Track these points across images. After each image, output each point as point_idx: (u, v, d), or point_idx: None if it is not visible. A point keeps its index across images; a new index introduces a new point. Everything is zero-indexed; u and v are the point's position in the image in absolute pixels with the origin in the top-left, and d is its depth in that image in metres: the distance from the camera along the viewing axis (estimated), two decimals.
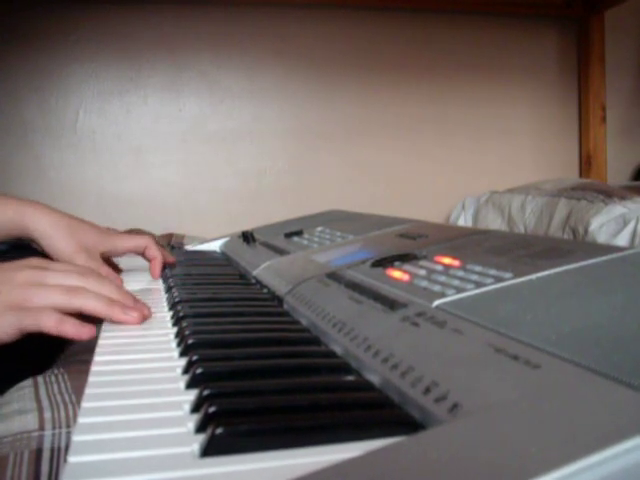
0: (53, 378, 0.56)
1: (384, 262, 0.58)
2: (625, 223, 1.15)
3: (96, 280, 0.56)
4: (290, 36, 1.77)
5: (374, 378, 0.37)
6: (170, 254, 0.88)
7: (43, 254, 0.74)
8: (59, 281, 0.54)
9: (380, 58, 1.82)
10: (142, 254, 0.83)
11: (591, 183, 1.44)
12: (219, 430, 0.28)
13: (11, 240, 0.75)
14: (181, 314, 0.55)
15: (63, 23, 1.65)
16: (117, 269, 0.85)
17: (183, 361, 0.42)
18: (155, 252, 0.82)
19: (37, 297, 0.51)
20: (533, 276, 0.43)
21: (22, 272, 0.53)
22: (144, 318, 0.55)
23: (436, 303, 0.42)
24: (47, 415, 0.46)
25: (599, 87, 1.89)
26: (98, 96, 1.68)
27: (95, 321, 0.53)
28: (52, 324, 0.50)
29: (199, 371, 0.38)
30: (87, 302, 0.52)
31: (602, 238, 1.17)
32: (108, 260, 0.82)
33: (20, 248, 0.77)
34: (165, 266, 0.84)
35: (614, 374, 0.26)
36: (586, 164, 1.91)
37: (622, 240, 1.13)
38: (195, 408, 0.33)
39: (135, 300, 0.57)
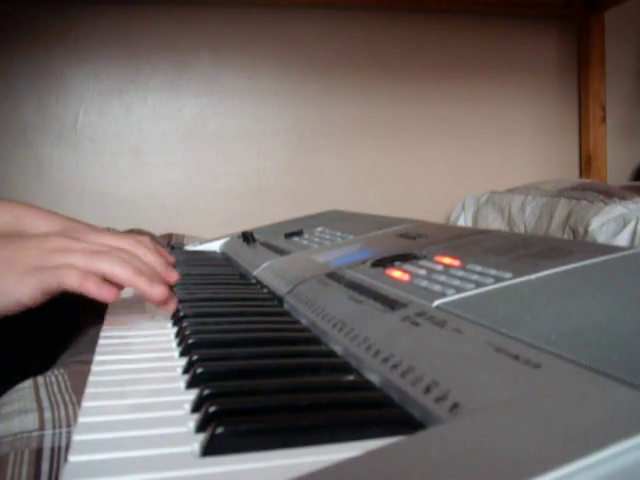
0: (53, 378, 0.56)
1: (384, 262, 0.58)
2: (625, 223, 1.15)
3: (127, 254, 0.53)
4: (290, 36, 1.77)
5: (374, 378, 0.37)
6: (169, 254, 0.87)
7: None
8: (87, 247, 0.51)
9: (380, 58, 1.82)
10: None
11: (591, 183, 1.44)
12: (219, 430, 0.28)
13: None
14: (181, 314, 0.55)
15: (63, 23, 1.65)
16: None
17: (183, 361, 0.42)
18: None
19: (59, 258, 0.49)
20: (533, 276, 0.43)
21: (54, 239, 0.51)
22: (167, 298, 0.52)
23: (436, 303, 0.42)
24: (47, 415, 0.46)
25: (599, 87, 1.89)
26: (98, 96, 1.68)
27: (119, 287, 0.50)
28: (74, 280, 0.47)
29: (199, 371, 0.38)
30: (111, 266, 0.50)
31: (602, 238, 1.17)
32: None
33: None
34: None
35: (614, 373, 0.26)
36: (586, 164, 1.91)
37: (622, 240, 1.13)
38: (195, 408, 0.33)
39: (167, 268, 0.55)
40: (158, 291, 0.51)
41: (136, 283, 0.50)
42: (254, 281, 0.75)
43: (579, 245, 0.49)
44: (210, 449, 0.28)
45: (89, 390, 0.37)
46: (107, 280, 0.49)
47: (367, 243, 0.75)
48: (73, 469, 0.27)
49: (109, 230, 0.75)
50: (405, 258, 0.57)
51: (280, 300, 0.61)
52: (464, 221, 1.66)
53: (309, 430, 0.30)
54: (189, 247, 1.19)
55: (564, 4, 1.87)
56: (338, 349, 0.44)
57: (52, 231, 0.55)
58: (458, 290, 0.43)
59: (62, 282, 0.47)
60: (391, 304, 0.45)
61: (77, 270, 0.47)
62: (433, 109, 1.85)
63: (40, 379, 0.55)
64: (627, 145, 1.96)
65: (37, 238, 0.52)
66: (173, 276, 0.56)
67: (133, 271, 0.50)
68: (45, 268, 0.48)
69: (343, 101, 1.80)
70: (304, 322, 0.53)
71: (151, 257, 0.56)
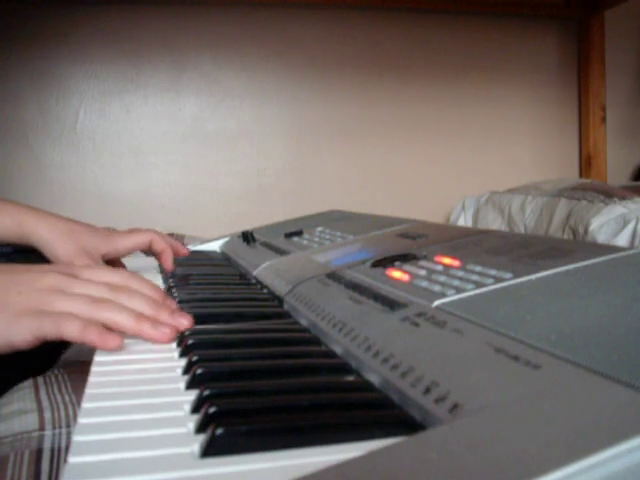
0: (53, 378, 0.56)
1: (384, 262, 0.58)
2: (625, 223, 1.15)
3: (127, 293, 0.51)
4: (290, 36, 1.77)
5: (374, 378, 0.37)
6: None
7: (46, 258, 0.73)
8: (86, 291, 0.49)
9: (380, 58, 1.82)
10: (148, 250, 0.80)
11: (591, 183, 1.44)
12: (219, 430, 0.28)
13: (12, 245, 0.74)
14: None
15: (63, 23, 1.64)
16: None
17: (183, 361, 0.42)
18: (162, 244, 0.79)
19: (58, 303, 0.47)
20: (533, 276, 0.43)
21: (46, 276, 0.49)
22: (178, 332, 0.49)
23: (436, 303, 0.42)
24: (47, 415, 0.46)
25: (599, 87, 1.89)
26: (98, 96, 1.68)
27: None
28: (75, 330, 0.44)
29: (199, 371, 0.38)
30: (113, 315, 0.47)
31: (602, 238, 1.17)
32: (116, 261, 0.80)
33: (24, 251, 0.76)
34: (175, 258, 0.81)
35: (614, 374, 0.26)
36: (586, 164, 1.91)
37: (622, 240, 1.13)
38: (195, 408, 0.33)
39: (173, 311, 0.51)
40: (165, 331, 0.48)
41: (139, 332, 0.48)
42: (254, 281, 0.74)
43: (579, 245, 0.49)
44: (210, 450, 0.28)
45: (89, 391, 0.37)
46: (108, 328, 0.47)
47: (367, 243, 0.75)
48: (73, 470, 0.27)
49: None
50: (405, 258, 0.57)
51: (280, 300, 0.61)
52: (464, 221, 1.66)
53: (309, 431, 0.30)
54: (189, 247, 1.19)
55: (564, 4, 1.87)
56: (338, 350, 0.44)
57: (44, 267, 0.52)
58: (458, 290, 0.43)
59: (61, 331, 0.45)
60: (391, 304, 0.45)
61: (77, 319, 0.45)
62: (433, 109, 1.85)
63: (40, 379, 0.55)
64: (627, 145, 1.96)
65: (29, 273, 0.49)
66: (181, 316, 0.51)
67: (135, 318, 0.48)
68: (43, 313, 0.46)
69: (343, 101, 1.80)
70: (304, 322, 0.53)
71: (146, 290, 0.52)
